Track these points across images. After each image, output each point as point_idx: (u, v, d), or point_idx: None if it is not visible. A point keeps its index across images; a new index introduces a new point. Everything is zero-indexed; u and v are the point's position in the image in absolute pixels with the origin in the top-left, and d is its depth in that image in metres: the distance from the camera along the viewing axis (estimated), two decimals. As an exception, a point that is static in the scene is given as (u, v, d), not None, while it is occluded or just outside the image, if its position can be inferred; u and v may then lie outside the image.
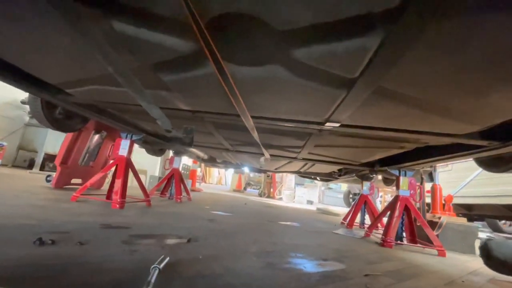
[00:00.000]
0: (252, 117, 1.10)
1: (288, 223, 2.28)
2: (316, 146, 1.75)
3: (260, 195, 7.75)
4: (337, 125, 1.05)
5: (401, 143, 1.42)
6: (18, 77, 1.09)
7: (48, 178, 2.63)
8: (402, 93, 0.72)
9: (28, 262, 0.68)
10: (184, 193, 3.14)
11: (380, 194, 6.56)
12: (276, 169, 3.76)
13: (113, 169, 2.08)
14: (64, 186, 2.63)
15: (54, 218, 1.21)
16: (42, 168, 5.17)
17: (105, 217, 1.42)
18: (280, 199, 7.19)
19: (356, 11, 0.43)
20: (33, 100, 1.70)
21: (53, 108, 1.81)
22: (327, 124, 1.06)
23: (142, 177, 2.68)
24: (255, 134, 1.31)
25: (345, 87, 0.69)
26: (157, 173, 4.63)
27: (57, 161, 2.59)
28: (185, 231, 1.31)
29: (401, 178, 1.97)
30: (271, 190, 7.90)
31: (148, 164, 4.69)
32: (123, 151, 2.08)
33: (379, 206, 6.20)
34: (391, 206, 2.00)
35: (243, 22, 0.49)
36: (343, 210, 4.79)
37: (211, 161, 4.27)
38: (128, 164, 2.07)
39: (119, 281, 0.64)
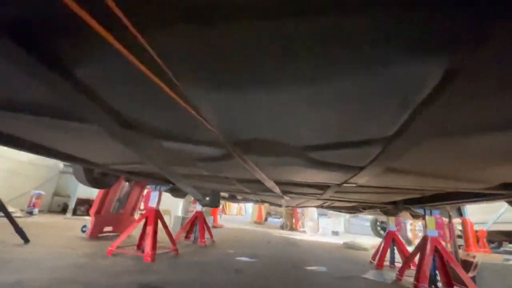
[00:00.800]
0: (274, 180, 1.20)
1: (314, 268, 2.25)
2: (336, 193, 1.80)
3: (282, 227, 7.57)
4: (354, 185, 1.12)
5: (420, 191, 1.44)
6: (68, 158, 1.28)
7: (83, 229, 2.80)
8: (409, 169, 0.79)
9: None
10: (207, 235, 3.21)
11: (410, 222, 6.22)
12: (297, 205, 3.76)
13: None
14: (98, 235, 2.79)
15: (96, 281, 1.32)
16: (74, 212, 5.46)
17: (141, 275, 1.51)
18: (304, 231, 6.98)
19: (358, 138, 0.53)
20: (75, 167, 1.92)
21: (92, 171, 2.03)
22: (344, 184, 1.13)
23: (166, 218, 2.79)
24: (277, 190, 1.41)
25: (356, 170, 0.78)
26: (180, 213, 4.74)
27: (91, 212, 2.78)
28: (214, 288, 1.37)
29: (427, 218, 1.93)
30: (293, 221, 7.71)
31: (171, 203, 4.84)
32: (153, 203, 2.23)
33: (410, 235, 5.86)
34: (420, 248, 1.93)
35: (265, 143, 0.60)
36: (372, 241, 4.57)
37: (232, 199, 4.35)
38: (157, 215, 2.21)
39: None
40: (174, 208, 4.94)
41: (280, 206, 5.41)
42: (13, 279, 1.24)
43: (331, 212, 7.18)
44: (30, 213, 4.35)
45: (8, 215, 2.14)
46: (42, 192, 4.73)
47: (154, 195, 2.25)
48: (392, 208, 2.47)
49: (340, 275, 2.09)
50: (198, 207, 3.31)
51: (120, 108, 0.52)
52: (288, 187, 1.66)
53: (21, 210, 4.29)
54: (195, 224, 3.26)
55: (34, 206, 4.45)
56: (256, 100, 0.44)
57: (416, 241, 2.08)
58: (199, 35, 0.30)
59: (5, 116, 0.63)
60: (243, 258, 2.35)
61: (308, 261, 2.58)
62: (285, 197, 1.98)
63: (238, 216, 13.16)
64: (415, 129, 0.47)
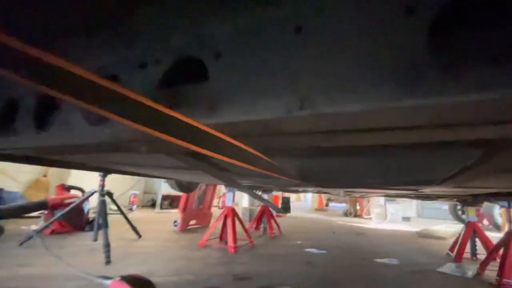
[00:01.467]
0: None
1: (385, 260, 2.30)
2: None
3: (345, 214, 7.44)
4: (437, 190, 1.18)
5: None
6: (167, 178, 1.66)
7: (175, 224, 3.42)
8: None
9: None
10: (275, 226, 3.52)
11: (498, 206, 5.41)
12: (361, 195, 3.74)
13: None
14: (186, 228, 3.38)
15: (201, 271, 1.70)
16: (161, 206, 6.48)
17: (230, 266, 1.86)
18: (369, 218, 6.76)
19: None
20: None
21: (181, 182, 2.49)
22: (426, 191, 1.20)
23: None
24: (341, 193, 1.54)
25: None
26: (246, 204, 5.17)
27: (180, 210, 3.37)
28: (292, 279, 1.61)
29: (513, 211, 1.78)
30: (357, 208, 7.50)
31: (238, 196, 5.35)
32: (229, 202, 2.61)
33: (499, 219, 5.08)
34: (505, 242, 1.80)
35: (339, 181, 0.76)
36: (451, 229, 4.21)
37: (292, 191, 4.56)
38: (234, 213, 2.58)
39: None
40: (240, 199, 5.47)
41: (340, 196, 5.41)
42: (144, 269, 1.71)
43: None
44: (131, 209, 5.39)
45: (124, 215, 2.79)
46: (137, 192, 5.78)
47: (229, 195, 2.62)
48: (472, 199, 2.30)
49: (413, 268, 2.10)
50: (264, 202, 3.63)
51: (226, 165, 0.75)
52: (356, 192, 1.76)
53: (124, 207, 5.40)
54: (263, 217, 3.60)
55: (133, 203, 5.51)
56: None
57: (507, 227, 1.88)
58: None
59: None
60: (312, 250, 2.55)
61: (378, 252, 2.62)
62: (349, 195, 2.08)
63: (297, 203, 13.41)
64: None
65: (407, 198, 5.93)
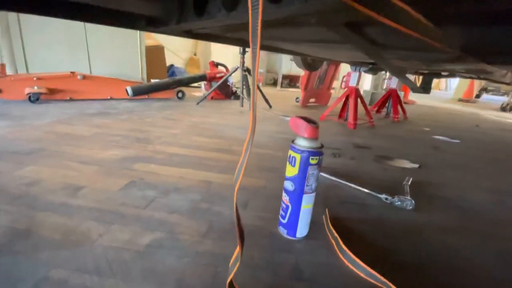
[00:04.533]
0: None
1: (544, 160, 1.91)
2: None
3: (503, 109, 5.79)
4: None
5: None
6: (296, 53, 1.77)
7: (297, 100, 3.82)
8: None
9: (334, 165, 1.42)
10: (400, 112, 3.32)
11: None
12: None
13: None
14: (306, 105, 3.73)
15: (328, 138, 2.03)
16: (281, 85, 7.07)
17: (350, 137, 2.09)
18: (544, 116, 5.03)
19: None
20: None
21: (306, 58, 2.57)
22: None
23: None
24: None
25: None
26: (369, 87, 4.90)
27: (301, 88, 3.64)
28: (413, 157, 1.69)
29: None
30: (529, 101, 5.58)
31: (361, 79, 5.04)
32: (353, 82, 2.58)
33: None
34: None
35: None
36: None
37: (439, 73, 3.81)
38: (357, 93, 2.58)
39: (392, 188, 1.21)
40: (362, 84, 5.19)
41: (508, 83, 4.04)
42: (280, 129, 2.19)
43: None
44: (258, 86, 6.23)
45: (259, 88, 3.33)
46: (262, 70, 6.39)
47: (354, 75, 2.55)
48: None
49: None
50: (393, 84, 3.31)
51: (376, 37, 0.77)
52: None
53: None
54: (387, 100, 3.40)
55: (259, 81, 6.27)
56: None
57: None
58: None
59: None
60: (442, 138, 2.38)
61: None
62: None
63: (436, 91, 11.14)
64: None
65: None
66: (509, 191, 1.29)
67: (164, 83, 3.00)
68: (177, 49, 5.85)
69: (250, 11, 0.37)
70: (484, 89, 8.46)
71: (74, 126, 1.80)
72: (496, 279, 0.67)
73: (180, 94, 3.33)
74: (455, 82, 9.42)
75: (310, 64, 2.65)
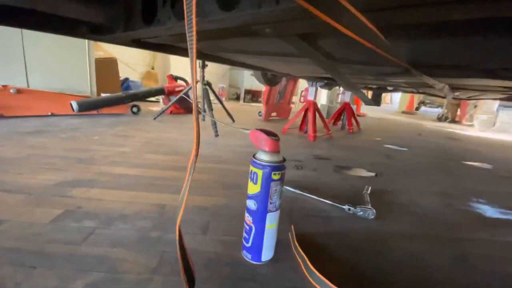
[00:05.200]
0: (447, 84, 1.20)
1: (476, 164, 2.17)
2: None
3: (439, 119, 6.61)
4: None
5: None
6: (257, 68, 1.78)
7: (259, 114, 3.85)
8: None
9: (296, 178, 1.40)
10: (354, 124, 3.54)
11: None
12: (468, 97, 3.16)
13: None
14: (269, 119, 3.78)
15: (291, 150, 2.03)
16: (244, 100, 7.13)
17: (311, 149, 2.13)
18: (471, 125, 5.87)
19: None
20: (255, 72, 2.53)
21: (266, 74, 2.61)
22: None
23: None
24: (446, 89, 1.39)
25: None
26: (325, 101, 5.18)
27: (263, 102, 3.69)
28: (369, 166, 1.77)
29: None
30: (458, 113, 6.48)
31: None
32: (311, 96, 2.69)
33: None
34: None
35: (446, 67, 0.70)
36: None
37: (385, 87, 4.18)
38: (315, 106, 2.69)
39: (353, 197, 1.22)
40: (319, 98, 5.48)
41: (442, 97, 4.65)
42: (245, 142, 2.15)
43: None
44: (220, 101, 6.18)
45: (221, 102, 3.27)
46: (224, 85, 6.39)
47: (312, 90, 2.66)
48: None
49: (510, 174, 1.94)
50: (346, 98, 3.54)
51: (330, 50, 0.78)
52: (463, 89, 1.53)
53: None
54: (343, 113, 3.62)
55: (222, 95, 6.23)
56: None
57: None
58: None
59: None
60: (392, 146, 2.58)
61: (470, 156, 2.45)
62: (455, 93, 1.82)
63: (383, 105, 12.35)
64: None
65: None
66: (454, 194, 1.40)
67: (116, 97, 2.77)
68: (134, 63, 5.57)
69: (185, 14, 0.32)
70: (422, 102, 9.62)
71: (1, 147, 1.52)
72: (458, 282, 0.69)
73: (135, 109, 3.11)
74: (398, 96, 10.56)
75: (270, 79, 2.70)
